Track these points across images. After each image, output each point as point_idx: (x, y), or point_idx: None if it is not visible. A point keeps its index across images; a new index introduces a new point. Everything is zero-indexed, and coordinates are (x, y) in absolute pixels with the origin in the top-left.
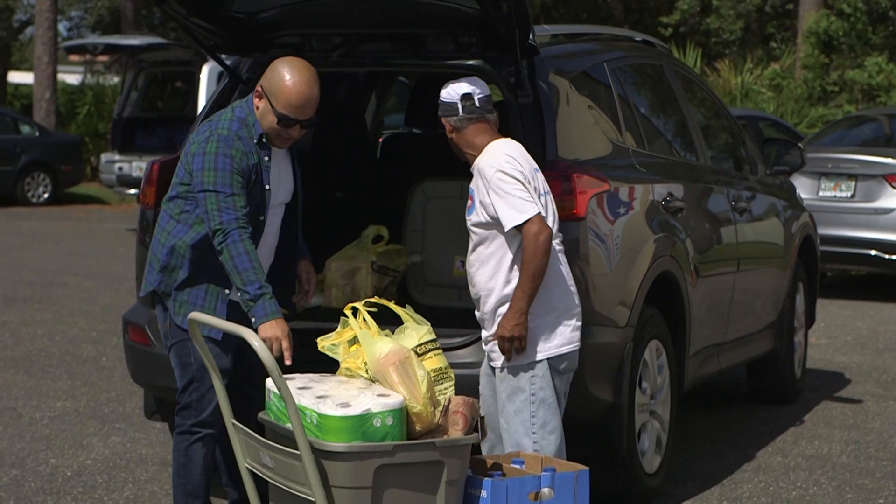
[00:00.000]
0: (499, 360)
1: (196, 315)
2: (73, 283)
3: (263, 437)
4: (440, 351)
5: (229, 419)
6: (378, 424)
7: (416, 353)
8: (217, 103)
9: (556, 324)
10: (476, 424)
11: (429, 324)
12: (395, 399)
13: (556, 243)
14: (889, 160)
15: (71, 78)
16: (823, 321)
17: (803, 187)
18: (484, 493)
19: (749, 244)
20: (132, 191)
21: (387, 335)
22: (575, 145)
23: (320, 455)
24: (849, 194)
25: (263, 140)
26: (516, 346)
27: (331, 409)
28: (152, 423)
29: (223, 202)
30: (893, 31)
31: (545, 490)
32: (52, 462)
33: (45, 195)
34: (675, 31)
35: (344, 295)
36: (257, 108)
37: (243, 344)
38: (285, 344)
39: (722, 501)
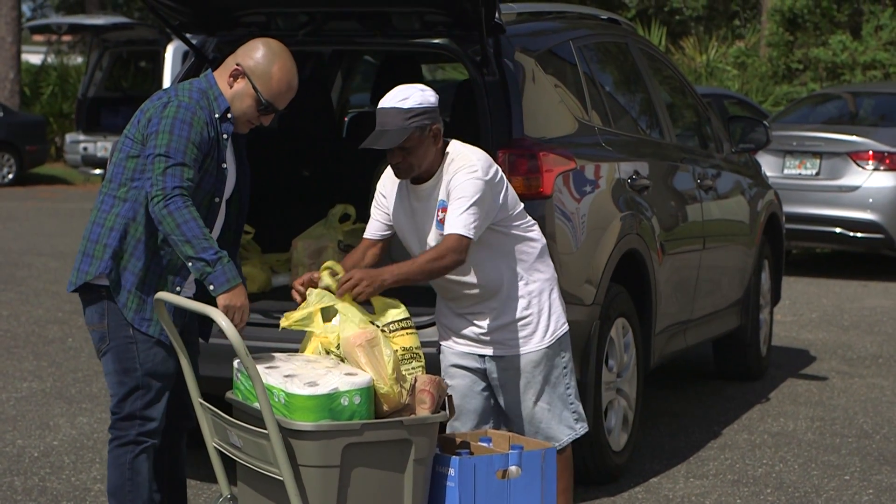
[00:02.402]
0: (521, 346)
1: (163, 295)
2: (38, 264)
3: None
4: (413, 330)
5: (197, 399)
6: (346, 403)
7: (387, 329)
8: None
9: (559, 293)
10: (443, 403)
11: (402, 304)
12: (362, 378)
13: (532, 225)
14: (853, 138)
15: (35, 58)
16: (789, 298)
17: (768, 165)
18: (451, 471)
19: (715, 222)
20: (97, 171)
21: (362, 313)
22: (541, 124)
23: (288, 434)
24: (813, 172)
25: (228, 115)
26: (357, 290)
27: (298, 388)
28: None
29: (171, 169)
30: (858, 9)
31: (513, 468)
32: (18, 443)
33: (10, 176)
34: (640, 10)
35: None
36: (230, 86)
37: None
38: (245, 315)
39: (688, 478)
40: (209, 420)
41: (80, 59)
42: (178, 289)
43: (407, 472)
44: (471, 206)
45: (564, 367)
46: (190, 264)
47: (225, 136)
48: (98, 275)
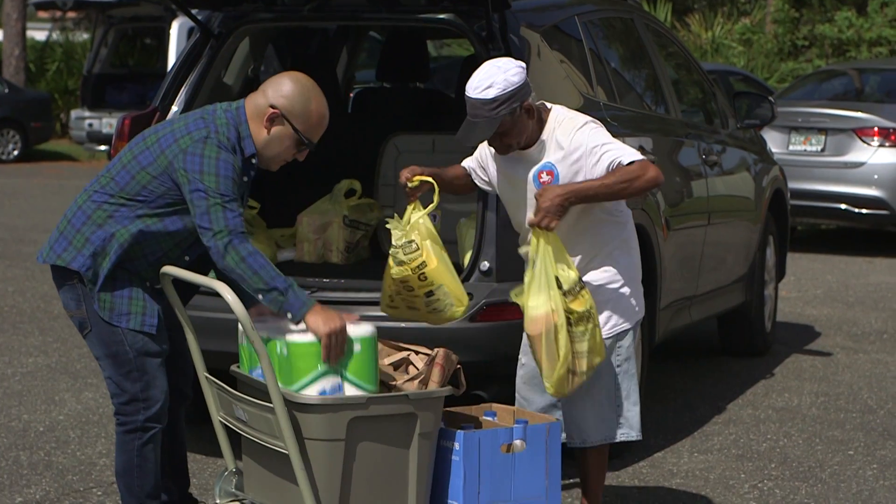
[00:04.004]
0: None
1: (169, 269)
2: (42, 240)
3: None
4: (587, 290)
5: (202, 373)
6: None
7: (570, 295)
8: (188, 59)
9: (638, 290)
10: (451, 377)
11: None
12: (365, 328)
13: (620, 206)
14: (859, 114)
15: (40, 35)
16: (794, 274)
17: (773, 141)
18: (457, 445)
19: (720, 198)
20: (102, 147)
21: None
22: (546, 99)
23: (293, 407)
24: (819, 148)
25: (253, 161)
26: (546, 222)
27: (298, 337)
28: None
29: (228, 205)
30: None
31: (517, 442)
32: (24, 418)
33: (15, 152)
34: None
35: (316, 249)
36: (267, 130)
37: (172, 333)
38: (343, 338)
39: (693, 453)
40: (214, 394)
41: (85, 36)
42: (147, 283)
43: (412, 446)
44: (612, 143)
45: (619, 367)
46: (261, 296)
47: (245, 178)
48: (72, 266)
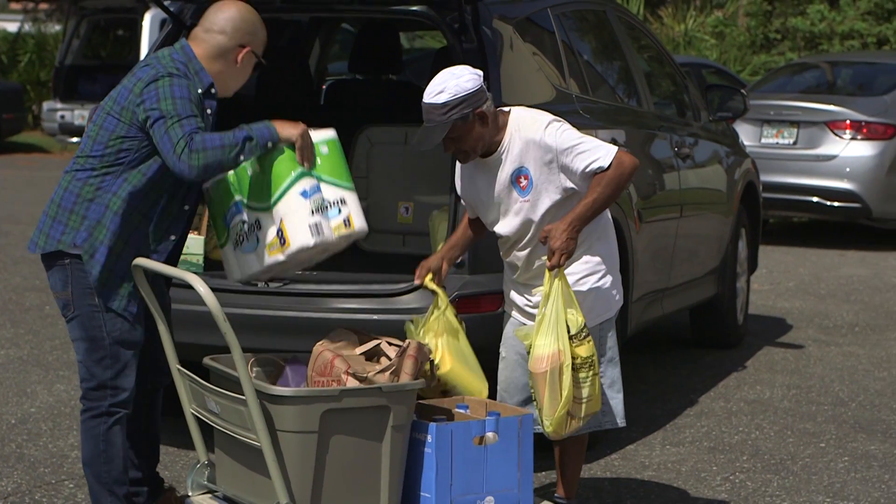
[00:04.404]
0: None
1: (141, 261)
2: (15, 232)
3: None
4: (590, 338)
5: (174, 364)
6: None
7: (575, 340)
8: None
9: (617, 279)
10: (424, 369)
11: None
12: (326, 132)
13: None
14: (831, 107)
15: (12, 26)
16: (766, 267)
17: (746, 134)
18: (429, 438)
19: (692, 190)
20: (75, 139)
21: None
22: (519, 91)
23: (266, 399)
24: (791, 141)
25: (212, 90)
26: (564, 259)
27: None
28: None
29: (184, 121)
30: None
31: (490, 434)
32: None
33: None
34: None
35: None
36: (236, 62)
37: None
38: (309, 141)
39: (665, 445)
40: (187, 386)
41: (57, 27)
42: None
43: (385, 439)
44: (583, 141)
45: (602, 356)
46: (242, 158)
47: (209, 111)
48: (72, 244)
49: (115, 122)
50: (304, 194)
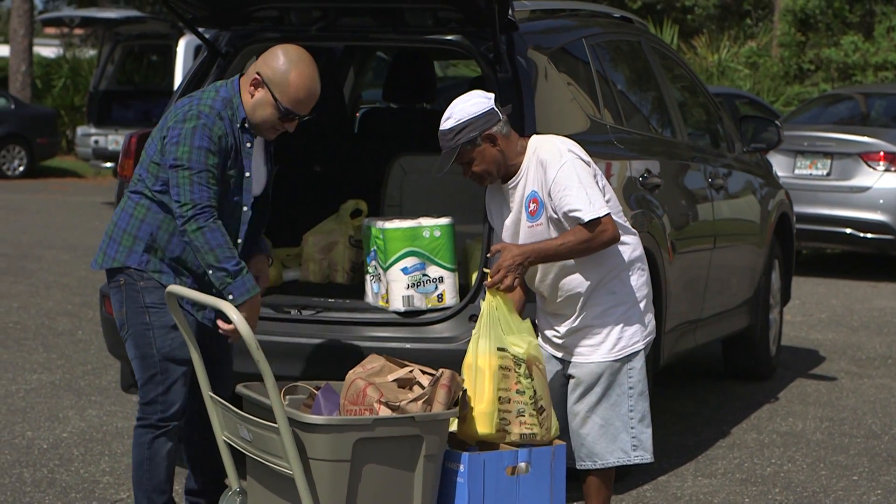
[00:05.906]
0: (586, 355)
1: (174, 288)
2: (48, 256)
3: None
4: (543, 365)
5: (207, 392)
6: (427, 236)
7: (522, 362)
8: (195, 77)
9: (647, 310)
10: (457, 399)
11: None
12: (443, 220)
13: (627, 228)
14: (864, 139)
15: (47, 51)
16: (798, 298)
17: (779, 165)
18: (461, 467)
19: (725, 221)
20: (108, 164)
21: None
22: (553, 121)
23: (299, 427)
24: (824, 172)
25: (246, 125)
26: (506, 281)
27: (391, 224)
28: (128, 396)
29: (196, 178)
30: (870, 10)
31: (522, 464)
32: (28, 435)
33: (21, 168)
34: (651, 8)
35: (321, 269)
36: (252, 95)
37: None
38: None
39: (696, 476)
40: (219, 413)
41: (91, 53)
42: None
43: (417, 468)
44: (581, 188)
45: (631, 388)
46: (210, 272)
47: (248, 144)
48: (128, 263)
49: (155, 150)
50: (405, 270)
